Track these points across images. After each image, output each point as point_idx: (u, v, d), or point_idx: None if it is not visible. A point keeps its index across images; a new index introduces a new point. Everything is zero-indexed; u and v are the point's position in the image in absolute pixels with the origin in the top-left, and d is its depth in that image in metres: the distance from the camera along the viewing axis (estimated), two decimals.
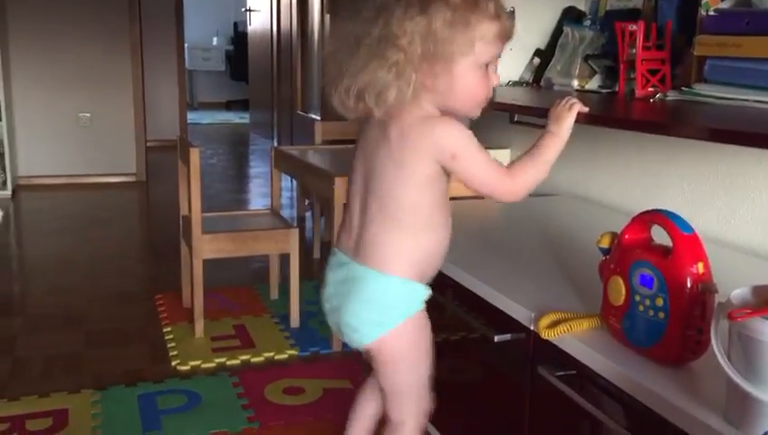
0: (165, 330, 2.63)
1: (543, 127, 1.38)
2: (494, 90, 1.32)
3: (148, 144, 5.85)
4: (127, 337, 2.61)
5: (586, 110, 1.34)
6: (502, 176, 1.29)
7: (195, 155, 2.40)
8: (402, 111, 1.24)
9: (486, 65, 1.24)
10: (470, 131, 1.27)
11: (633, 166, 2.16)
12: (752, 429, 0.95)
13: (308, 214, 4.24)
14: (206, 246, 2.48)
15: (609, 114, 1.55)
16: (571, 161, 2.43)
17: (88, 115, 5.46)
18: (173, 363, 2.37)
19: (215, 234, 2.50)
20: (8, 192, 4.91)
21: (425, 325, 1.38)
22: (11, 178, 4.96)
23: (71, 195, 5.10)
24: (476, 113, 1.30)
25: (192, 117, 9.12)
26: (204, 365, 2.36)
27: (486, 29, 1.21)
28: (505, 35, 1.25)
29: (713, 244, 1.84)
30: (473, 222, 2.19)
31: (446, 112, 1.28)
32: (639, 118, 1.51)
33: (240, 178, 6.12)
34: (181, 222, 2.75)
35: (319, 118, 5.10)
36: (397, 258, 1.31)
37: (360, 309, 1.32)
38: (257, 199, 5.15)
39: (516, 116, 2.03)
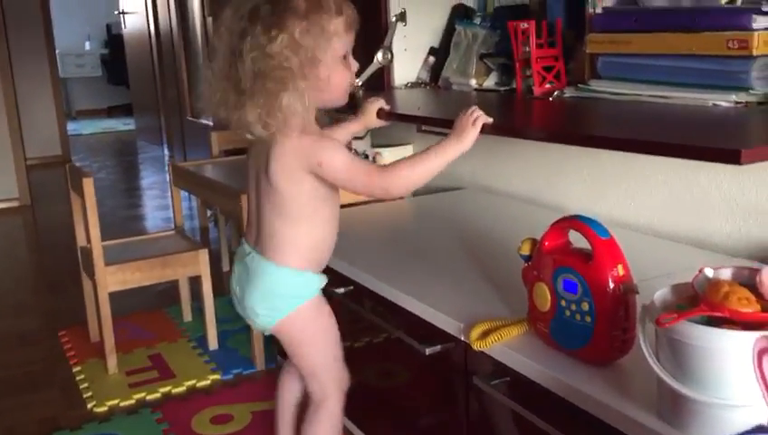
0: (75, 370, 2.49)
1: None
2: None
3: (28, 163, 5.51)
4: (35, 382, 2.45)
5: (490, 121, 1.37)
6: (371, 174, 1.36)
7: (89, 185, 2.27)
8: None
9: (344, 56, 1.38)
10: (334, 141, 1.41)
11: (534, 155, 2.21)
12: (687, 425, 0.99)
13: (211, 225, 4.13)
14: (111, 278, 2.36)
15: (512, 122, 1.57)
16: (473, 153, 2.46)
17: None
18: (89, 406, 2.24)
19: (119, 265, 2.39)
20: None
21: (321, 309, 1.50)
22: None
23: None
24: (344, 101, 1.45)
25: (72, 127, 8.68)
26: (122, 404, 2.25)
27: (337, 25, 1.34)
28: (352, 25, 1.38)
29: (616, 226, 1.91)
30: (382, 225, 2.18)
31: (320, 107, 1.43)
32: (543, 125, 1.54)
33: (132, 191, 5.88)
34: (80, 254, 2.60)
35: (211, 123, 4.95)
36: (289, 250, 1.43)
37: (256, 297, 1.45)
38: (155, 213, 4.95)
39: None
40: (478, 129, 1.36)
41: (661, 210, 1.85)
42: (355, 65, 1.42)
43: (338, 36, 1.34)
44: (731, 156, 0.89)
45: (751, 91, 1.33)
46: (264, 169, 1.40)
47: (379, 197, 1.42)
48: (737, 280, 1.04)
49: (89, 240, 2.36)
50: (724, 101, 1.35)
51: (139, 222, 4.74)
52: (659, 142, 1.03)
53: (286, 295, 1.45)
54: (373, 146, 2.68)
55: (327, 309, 1.52)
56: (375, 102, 1.66)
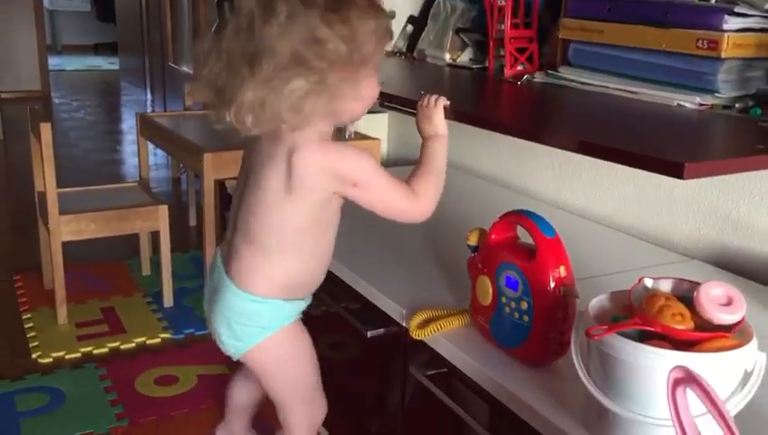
0: (24, 317, 2.45)
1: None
2: None
3: (4, 96, 5.39)
4: None
5: (448, 103, 1.31)
6: (409, 198, 1.22)
7: (46, 131, 2.21)
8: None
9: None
10: (368, 153, 1.20)
11: (505, 136, 2.16)
12: None
13: (183, 176, 4.06)
14: (65, 228, 2.31)
15: (471, 107, 1.52)
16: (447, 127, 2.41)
17: None
18: (34, 356, 2.21)
19: (74, 214, 2.33)
20: None
21: (295, 338, 1.34)
22: None
23: None
24: (361, 117, 1.25)
25: (56, 62, 8.51)
26: (68, 356, 2.21)
27: (386, 25, 1.14)
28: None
29: (578, 217, 1.89)
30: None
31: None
32: (501, 113, 1.49)
33: (110, 134, 5.77)
34: (37, 199, 2.54)
35: (192, 72, 4.83)
36: (257, 278, 1.26)
37: (221, 322, 1.29)
38: (129, 160, 4.86)
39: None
40: (441, 110, 1.29)
41: (625, 203, 1.81)
42: (380, 76, 1.21)
43: (385, 39, 1.15)
44: (674, 169, 0.85)
45: (716, 95, 1.28)
46: (266, 175, 1.18)
47: (411, 221, 1.25)
48: (676, 293, 1.01)
49: (45, 187, 2.30)
50: (689, 102, 1.30)
51: (111, 167, 4.65)
52: (603, 146, 0.99)
53: (248, 325, 1.27)
54: None
55: (302, 336, 1.35)
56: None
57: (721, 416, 0.65)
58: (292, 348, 1.33)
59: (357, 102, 1.18)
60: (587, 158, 1.89)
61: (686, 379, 0.68)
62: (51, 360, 2.20)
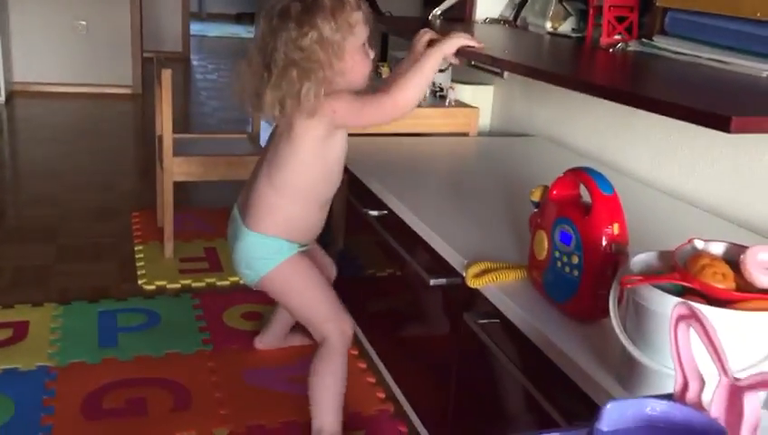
0: (136, 248, 2.67)
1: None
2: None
3: (148, 55, 5.77)
4: (98, 253, 2.65)
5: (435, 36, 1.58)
6: (376, 96, 1.49)
7: (166, 78, 2.38)
8: None
9: (363, 45, 1.51)
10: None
11: (604, 113, 2.13)
12: (635, 388, 0.97)
13: None
14: (177, 169, 2.49)
15: (542, 67, 1.52)
16: (550, 101, 2.40)
17: (84, 23, 5.38)
18: (139, 282, 2.41)
19: (186, 157, 2.51)
20: (1, 97, 4.90)
21: (297, 266, 1.62)
22: (5, 84, 4.93)
23: (64, 104, 5.08)
24: (364, 85, 1.55)
25: (199, 28, 8.98)
26: (169, 286, 2.40)
27: (357, 17, 1.49)
28: (369, 18, 1.53)
29: (673, 198, 1.84)
30: (441, 160, 2.18)
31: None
32: (565, 72, 1.48)
33: None
34: (156, 142, 2.75)
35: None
36: (266, 216, 1.57)
37: (237, 259, 1.63)
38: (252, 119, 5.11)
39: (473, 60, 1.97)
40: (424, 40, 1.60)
41: (721, 185, 1.75)
42: (372, 53, 1.55)
43: (359, 26, 1.48)
44: (721, 122, 0.83)
45: None
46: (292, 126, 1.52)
47: (391, 114, 1.51)
48: (727, 257, 1.00)
49: (163, 130, 2.49)
50: None
51: (234, 125, 4.89)
52: (652, 99, 0.98)
53: (259, 258, 1.59)
54: (453, 81, 2.65)
55: (304, 263, 1.63)
56: (457, 38, 1.55)
57: (716, 352, 0.65)
58: (295, 274, 1.62)
59: (354, 75, 1.51)
60: (682, 137, 1.85)
61: (689, 316, 0.68)
62: (153, 287, 2.39)
